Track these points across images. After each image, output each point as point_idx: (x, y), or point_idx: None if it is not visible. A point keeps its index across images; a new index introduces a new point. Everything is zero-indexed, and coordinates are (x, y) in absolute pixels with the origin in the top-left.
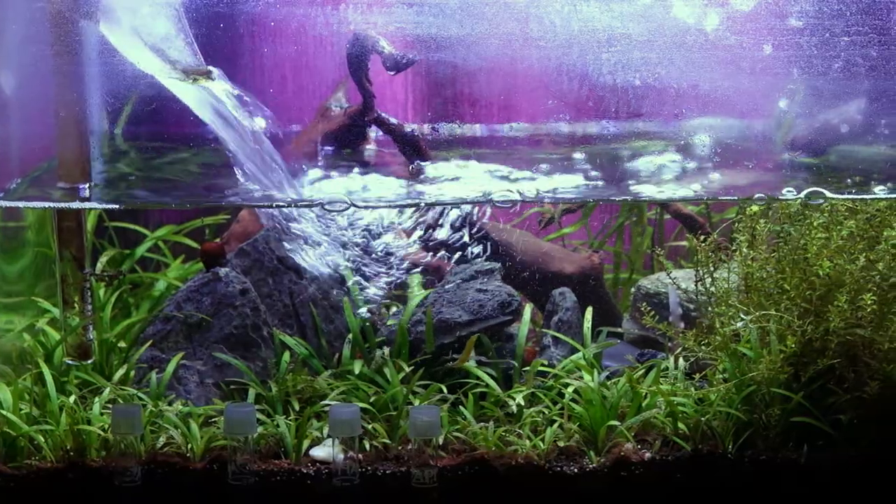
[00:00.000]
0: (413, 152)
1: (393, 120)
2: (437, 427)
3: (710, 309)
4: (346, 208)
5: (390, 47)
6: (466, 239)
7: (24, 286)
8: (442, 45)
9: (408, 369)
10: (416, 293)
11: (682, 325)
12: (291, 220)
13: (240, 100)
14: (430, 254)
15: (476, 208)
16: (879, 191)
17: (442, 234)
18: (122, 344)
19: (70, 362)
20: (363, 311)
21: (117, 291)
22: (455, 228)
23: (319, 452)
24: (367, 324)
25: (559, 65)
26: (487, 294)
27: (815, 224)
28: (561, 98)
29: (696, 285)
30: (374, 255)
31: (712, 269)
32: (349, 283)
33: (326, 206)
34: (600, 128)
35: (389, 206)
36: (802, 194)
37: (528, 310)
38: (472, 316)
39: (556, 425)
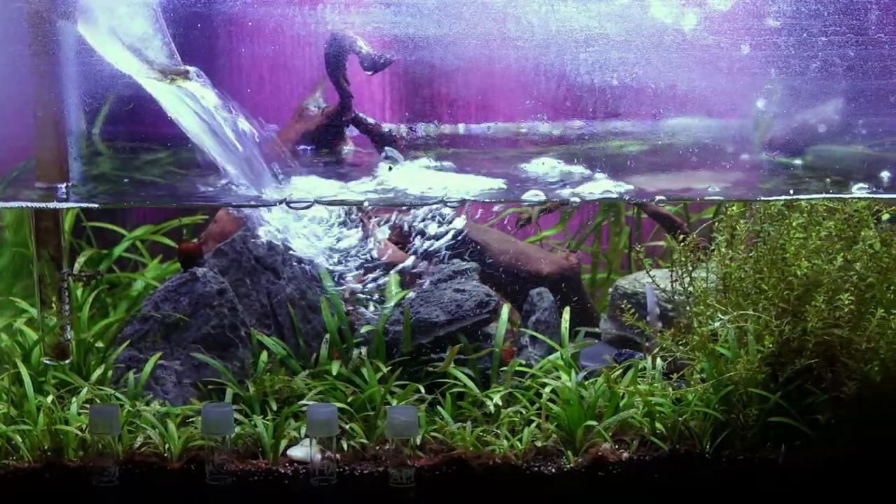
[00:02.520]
0: None
1: (370, 120)
2: (414, 427)
3: (687, 309)
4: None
5: (368, 47)
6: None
7: (2, 286)
8: (419, 45)
9: (385, 369)
10: (394, 293)
11: (659, 324)
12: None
13: (217, 100)
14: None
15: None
16: (858, 190)
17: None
18: (99, 344)
19: (47, 362)
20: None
21: (95, 291)
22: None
23: (297, 452)
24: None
25: (537, 65)
26: (465, 294)
27: (793, 224)
28: (538, 98)
29: (671, 285)
30: (350, 255)
31: (690, 268)
32: (328, 284)
33: (293, 205)
34: (577, 127)
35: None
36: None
37: (505, 309)
38: (450, 316)
39: (533, 425)
